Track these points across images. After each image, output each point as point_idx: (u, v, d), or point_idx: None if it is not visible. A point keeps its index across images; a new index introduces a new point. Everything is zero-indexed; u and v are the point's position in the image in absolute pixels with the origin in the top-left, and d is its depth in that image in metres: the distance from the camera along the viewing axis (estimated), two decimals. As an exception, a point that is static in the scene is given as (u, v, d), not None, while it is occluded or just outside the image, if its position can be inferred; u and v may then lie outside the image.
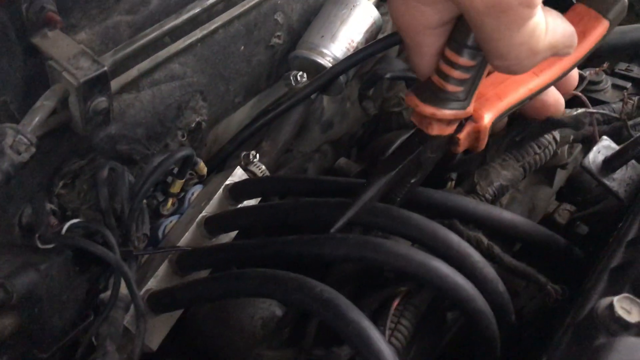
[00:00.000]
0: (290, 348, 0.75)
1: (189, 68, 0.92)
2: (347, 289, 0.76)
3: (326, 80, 1.07)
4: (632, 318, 0.49)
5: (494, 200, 0.82)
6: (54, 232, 0.74)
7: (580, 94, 0.90)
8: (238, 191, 0.89)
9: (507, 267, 0.76)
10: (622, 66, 1.18)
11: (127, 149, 0.85)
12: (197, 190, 0.94)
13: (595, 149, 0.79)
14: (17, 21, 0.67)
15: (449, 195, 0.77)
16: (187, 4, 0.87)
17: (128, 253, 0.78)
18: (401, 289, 0.72)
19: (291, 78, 1.08)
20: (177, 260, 0.82)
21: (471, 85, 0.57)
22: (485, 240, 0.76)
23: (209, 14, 0.91)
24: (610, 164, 0.78)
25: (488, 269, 0.69)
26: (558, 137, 0.87)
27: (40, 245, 0.70)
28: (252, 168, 0.97)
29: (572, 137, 0.92)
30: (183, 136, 0.94)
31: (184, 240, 0.85)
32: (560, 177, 0.97)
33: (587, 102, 0.88)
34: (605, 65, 1.13)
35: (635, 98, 1.01)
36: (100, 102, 0.72)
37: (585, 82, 1.03)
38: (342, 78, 1.09)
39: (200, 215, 0.87)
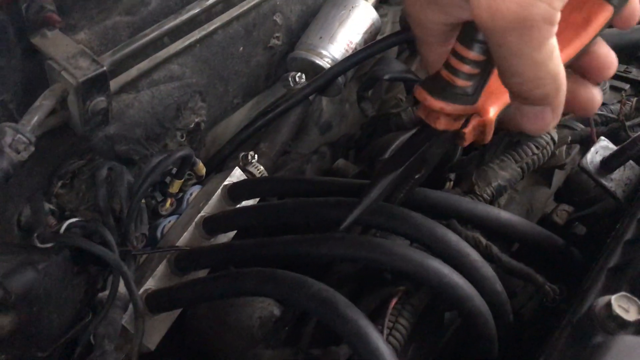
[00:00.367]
0: (288, 347, 0.76)
1: (188, 69, 0.92)
2: (345, 289, 0.76)
3: (325, 81, 1.07)
4: (629, 316, 0.50)
5: (492, 201, 0.83)
6: (52, 231, 0.74)
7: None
8: (236, 191, 0.89)
9: (505, 267, 0.76)
10: (620, 68, 1.18)
11: (125, 149, 0.85)
12: (195, 190, 0.94)
13: (593, 149, 0.79)
14: (17, 21, 0.67)
15: (447, 195, 0.77)
16: (186, 4, 0.87)
17: (126, 253, 0.78)
18: (399, 289, 0.72)
19: (290, 79, 1.08)
20: (176, 260, 0.83)
21: (480, 81, 0.56)
22: (483, 241, 0.76)
23: (208, 14, 0.91)
24: (608, 164, 0.78)
25: (486, 269, 0.69)
26: (556, 138, 0.87)
27: (38, 245, 0.70)
28: (251, 169, 0.97)
29: (570, 138, 0.93)
30: (182, 137, 0.94)
31: (183, 240, 0.85)
32: (558, 177, 0.97)
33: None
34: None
35: (634, 99, 1.02)
36: (99, 102, 0.72)
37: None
38: (340, 79, 1.09)
39: (199, 215, 0.87)
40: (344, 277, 0.79)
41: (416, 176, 0.67)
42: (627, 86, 1.13)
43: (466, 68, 0.55)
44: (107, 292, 0.73)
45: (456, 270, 0.66)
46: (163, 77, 0.88)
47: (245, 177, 0.94)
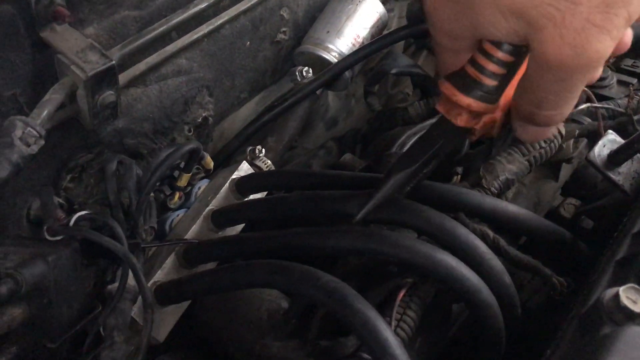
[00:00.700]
0: (296, 339, 0.76)
1: (196, 63, 0.92)
2: (353, 281, 0.76)
3: (331, 75, 1.07)
4: (637, 308, 0.50)
5: (500, 194, 0.83)
6: (61, 224, 0.74)
7: (585, 89, 0.90)
8: (244, 185, 0.90)
9: (512, 260, 0.76)
10: (628, 62, 1.18)
11: (134, 142, 0.86)
12: (203, 184, 0.95)
13: (600, 142, 0.79)
14: (27, 15, 0.67)
15: (454, 188, 0.77)
16: (194, -1, 0.87)
17: (135, 245, 0.78)
18: (407, 280, 0.72)
19: (297, 73, 1.09)
20: (184, 253, 0.83)
21: (504, 81, 0.56)
22: (490, 234, 0.76)
23: (215, 9, 0.91)
24: (616, 157, 0.78)
25: (495, 261, 0.69)
26: (563, 132, 0.87)
27: (48, 237, 0.70)
28: (258, 163, 0.97)
29: (577, 132, 0.93)
30: (190, 131, 0.95)
31: (191, 234, 0.86)
32: (566, 171, 0.97)
33: (592, 96, 0.88)
34: (611, 61, 1.13)
35: (641, 93, 1.01)
36: (108, 95, 0.73)
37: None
38: (347, 74, 1.10)
39: (207, 208, 0.88)
40: (352, 269, 0.79)
41: (425, 170, 0.67)
42: (634, 80, 1.13)
43: (492, 67, 0.55)
44: (116, 284, 0.74)
45: (465, 263, 0.66)
46: (171, 72, 0.88)
47: (253, 171, 0.94)
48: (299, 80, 1.08)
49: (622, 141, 0.79)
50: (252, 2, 0.97)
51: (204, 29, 0.90)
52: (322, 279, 0.64)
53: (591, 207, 0.87)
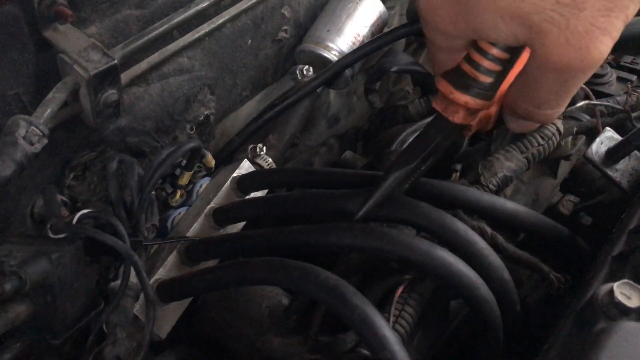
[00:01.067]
0: (297, 335, 0.76)
1: (197, 62, 0.93)
2: (353, 278, 0.77)
3: (332, 74, 1.08)
4: (631, 303, 0.50)
5: (498, 191, 0.83)
6: (65, 222, 0.75)
7: (584, 86, 0.90)
8: (245, 183, 0.90)
9: (510, 257, 0.76)
10: (627, 59, 1.18)
11: (136, 141, 0.87)
12: (205, 182, 0.95)
13: (598, 140, 0.79)
14: (29, 15, 0.68)
15: (453, 185, 0.78)
16: (195, -2, 0.88)
17: (137, 243, 0.79)
18: (405, 277, 0.73)
19: (297, 72, 1.09)
20: (186, 251, 0.84)
21: (499, 77, 0.57)
22: (489, 230, 0.77)
23: (216, 8, 0.92)
24: (614, 154, 0.78)
25: (494, 257, 0.69)
26: (562, 129, 0.87)
27: (51, 235, 0.71)
28: (259, 161, 0.98)
29: (575, 129, 0.93)
30: (191, 129, 0.95)
31: (193, 231, 0.86)
32: (564, 168, 0.97)
33: (591, 94, 0.88)
34: (610, 57, 1.13)
35: (640, 90, 1.02)
36: (111, 94, 0.73)
37: (590, 75, 1.04)
38: (348, 72, 1.10)
39: (209, 206, 0.88)
40: (353, 266, 0.80)
41: (422, 167, 0.68)
42: (633, 77, 1.14)
43: (489, 64, 0.55)
44: (118, 282, 0.74)
45: (464, 259, 0.67)
46: (173, 70, 0.89)
47: (254, 169, 0.95)
48: (300, 78, 1.09)
49: (620, 138, 0.80)
50: (253, 1, 0.97)
51: (205, 28, 0.90)
52: (321, 276, 0.64)
53: (589, 203, 0.87)
